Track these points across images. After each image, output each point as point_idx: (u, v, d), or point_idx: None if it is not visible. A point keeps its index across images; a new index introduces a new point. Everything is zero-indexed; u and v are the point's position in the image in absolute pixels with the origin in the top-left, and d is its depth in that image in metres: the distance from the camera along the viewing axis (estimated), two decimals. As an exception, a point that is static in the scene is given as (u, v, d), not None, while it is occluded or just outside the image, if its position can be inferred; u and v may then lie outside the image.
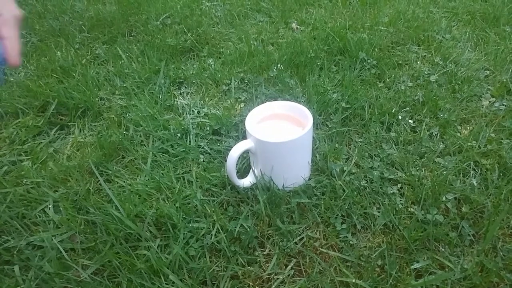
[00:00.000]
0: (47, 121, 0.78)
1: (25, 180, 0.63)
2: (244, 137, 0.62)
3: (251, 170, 0.59)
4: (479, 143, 0.65)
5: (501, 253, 0.49)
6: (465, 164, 0.61)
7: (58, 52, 0.99)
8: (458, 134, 0.68)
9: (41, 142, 0.73)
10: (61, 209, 0.58)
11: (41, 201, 0.59)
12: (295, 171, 0.57)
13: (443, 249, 0.50)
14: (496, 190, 0.57)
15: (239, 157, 0.54)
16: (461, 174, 0.60)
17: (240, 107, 0.78)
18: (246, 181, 0.58)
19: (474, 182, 0.58)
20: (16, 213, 0.57)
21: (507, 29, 0.99)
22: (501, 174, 0.59)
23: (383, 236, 0.52)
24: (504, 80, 0.80)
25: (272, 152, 0.54)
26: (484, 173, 0.60)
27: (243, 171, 0.62)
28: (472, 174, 0.60)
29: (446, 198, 0.56)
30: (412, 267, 0.48)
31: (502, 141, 0.65)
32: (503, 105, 0.74)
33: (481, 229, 0.52)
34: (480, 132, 0.67)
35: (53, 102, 0.80)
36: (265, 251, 0.52)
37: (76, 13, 1.24)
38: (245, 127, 0.56)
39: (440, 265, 0.49)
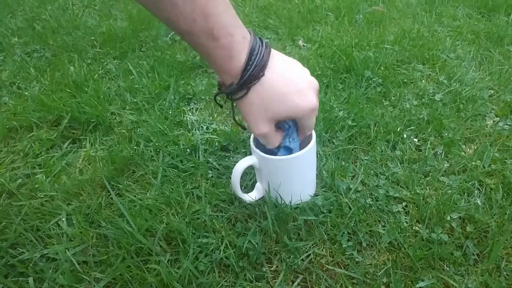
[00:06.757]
0: (60, 134, 0.80)
1: (39, 193, 0.65)
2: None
3: (256, 184, 0.61)
4: (484, 163, 0.66)
5: (505, 273, 0.50)
6: (470, 183, 0.62)
7: (71, 67, 1.02)
8: (463, 153, 0.69)
9: (54, 155, 0.75)
10: (74, 222, 0.59)
11: (54, 214, 0.61)
12: (299, 188, 0.58)
13: (447, 268, 0.51)
14: (500, 210, 0.58)
15: (245, 172, 0.55)
16: (465, 194, 0.61)
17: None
18: (252, 195, 0.59)
19: (479, 202, 0.59)
20: (30, 226, 0.59)
21: (511, 49, 1.00)
22: (505, 194, 0.60)
23: (388, 254, 0.53)
24: (508, 99, 0.81)
25: (275, 168, 0.56)
26: (488, 192, 0.61)
27: (250, 188, 0.64)
28: (477, 193, 0.61)
29: (450, 217, 0.57)
30: (417, 285, 0.49)
31: (506, 161, 0.66)
32: (507, 124, 0.75)
33: (485, 248, 0.53)
34: (485, 151, 0.68)
35: (66, 116, 0.82)
36: (272, 267, 0.53)
37: (89, 28, 1.28)
38: (250, 143, 0.57)
39: (445, 284, 0.49)
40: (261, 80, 0.44)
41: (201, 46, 0.41)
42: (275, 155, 0.54)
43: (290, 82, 0.45)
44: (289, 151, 0.54)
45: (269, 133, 0.48)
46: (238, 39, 0.42)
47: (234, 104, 0.48)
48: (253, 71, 0.43)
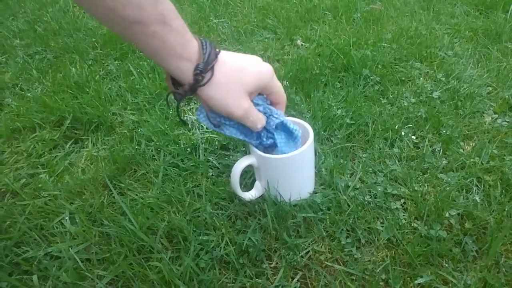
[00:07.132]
0: (63, 135, 0.81)
1: (43, 192, 0.66)
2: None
3: (255, 183, 0.62)
4: (482, 160, 0.66)
5: (503, 269, 0.51)
6: (468, 180, 0.63)
7: (73, 69, 1.03)
8: (461, 150, 0.69)
9: (57, 156, 0.76)
10: (77, 220, 0.60)
11: (58, 213, 0.62)
12: (298, 185, 0.59)
13: (446, 265, 0.52)
14: (499, 207, 0.58)
15: (245, 170, 0.56)
16: (464, 190, 0.61)
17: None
18: (252, 194, 0.60)
19: (477, 198, 0.60)
20: (34, 225, 0.60)
21: (509, 46, 1.01)
22: (503, 191, 0.61)
23: (387, 250, 0.54)
24: (507, 96, 0.82)
25: (273, 166, 0.56)
26: (487, 189, 0.61)
27: (250, 186, 0.65)
28: (475, 190, 0.61)
29: (449, 214, 0.57)
30: (416, 282, 0.50)
31: (505, 157, 0.67)
32: (506, 121, 0.76)
33: (484, 245, 0.53)
34: (483, 148, 0.68)
35: (69, 117, 0.83)
36: (272, 264, 0.54)
37: (89, 30, 1.29)
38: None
39: (443, 280, 0.50)
40: (218, 58, 0.44)
41: (153, 36, 0.39)
42: (275, 145, 0.54)
43: (241, 55, 0.47)
44: (285, 128, 0.53)
45: (250, 107, 0.47)
46: (183, 22, 0.41)
47: (197, 104, 0.48)
48: (210, 49, 0.43)
